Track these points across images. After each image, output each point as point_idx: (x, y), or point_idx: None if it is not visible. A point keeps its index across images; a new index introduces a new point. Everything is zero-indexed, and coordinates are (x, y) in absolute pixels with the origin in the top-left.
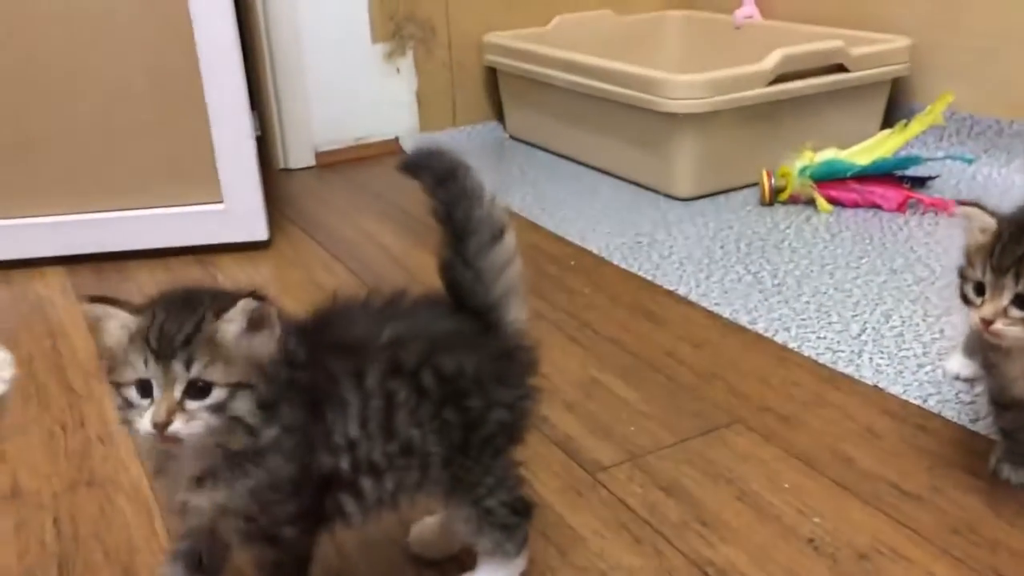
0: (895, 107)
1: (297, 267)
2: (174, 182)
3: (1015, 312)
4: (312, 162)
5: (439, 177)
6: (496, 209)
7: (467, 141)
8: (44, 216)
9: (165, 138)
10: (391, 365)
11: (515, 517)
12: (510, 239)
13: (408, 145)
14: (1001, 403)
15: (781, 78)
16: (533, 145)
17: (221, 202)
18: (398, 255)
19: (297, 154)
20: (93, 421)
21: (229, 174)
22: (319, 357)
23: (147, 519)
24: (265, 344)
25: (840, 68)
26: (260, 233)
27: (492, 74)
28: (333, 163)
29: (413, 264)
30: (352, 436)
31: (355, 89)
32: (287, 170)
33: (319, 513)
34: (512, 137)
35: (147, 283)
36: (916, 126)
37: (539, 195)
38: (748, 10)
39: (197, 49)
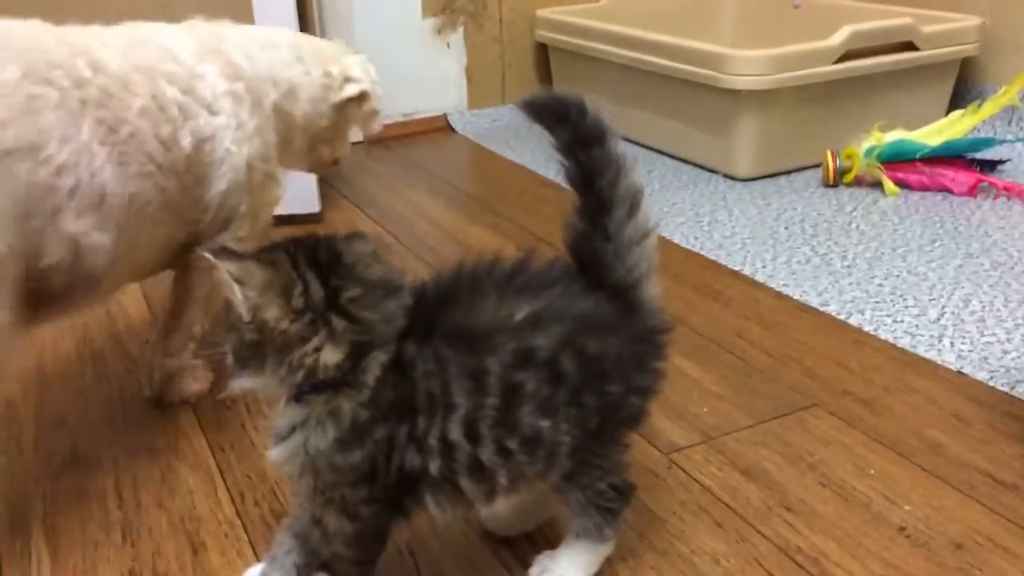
0: (963, 88)
1: None
2: None
3: None
4: (359, 137)
5: (582, 139)
6: (637, 176)
7: (516, 120)
8: None
9: None
10: (521, 355)
11: (618, 500)
12: (647, 208)
13: (457, 122)
14: None
15: (847, 56)
16: None
17: None
18: (450, 229)
19: None
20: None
21: None
22: (432, 348)
23: (211, 488)
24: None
25: (908, 47)
26: (312, 206)
27: (543, 51)
28: (382, 139)
29: (467, 238)
30: (452, 439)
31: (404, 64)
32: None
33: (399, 505)
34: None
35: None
36: (990, 107)
37: None
38: None
39: (254, 17)
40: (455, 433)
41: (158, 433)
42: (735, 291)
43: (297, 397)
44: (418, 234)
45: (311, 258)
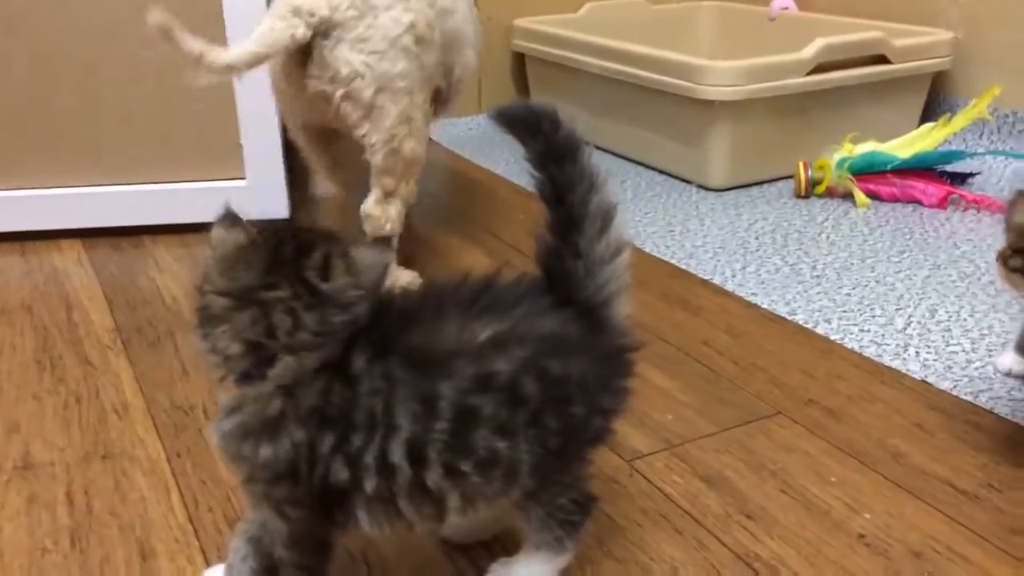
0: (935, 102)
1: None
2: (196, 157)
3: None
4: None
5: (554, 152)
6: (610, 192)
7: (492, 129)
8: (63, 188)
9: (188, 112)
10: (479, 380)
11: (579, 514)
12: (620, 223)
13: (432, 132)
14: None
15: (820, 69)
16: None
17: (244, 178)
18: (423, 235)
19: None
20: (109, 393)
21: (253, 150)
22: (384, 366)
23: (164, 494)
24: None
25: (881, 60)
26: (281, 210)
27: (520, 60)
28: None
29: (440, 244)
30: (392, 461)
31: None
32: None
33: (328, 515)
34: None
35: (164, 259)
36: (960, 120)
37: None
38: (784, 1)
39: (224, 19)
40: (396, 456)
41: (114, 440)
42: (704, 300)
43: (227, 378)
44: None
45: (276, 247)
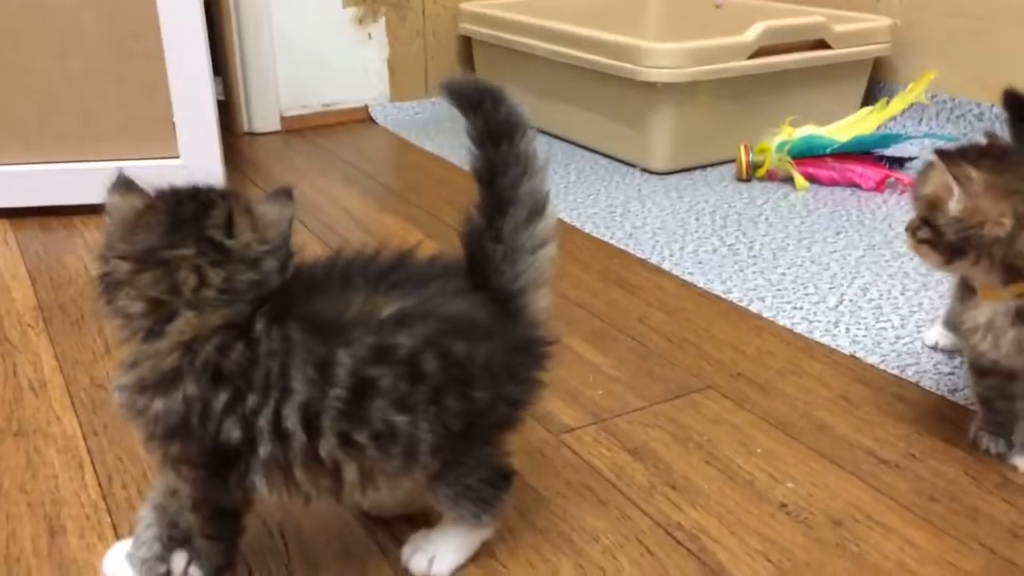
0: (876, 87)
1: None
2: (128, 134)
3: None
4: (278, 127)
5: (493, 131)
6: (544, 181)
7: (439, 113)
8: None
9: (119, 86)
10: (378, 351)
11: (494, 490)
12: (551, 216)
13: (378, 114)
14: (978, 369)
15: (763, 53)
16: None
17: (178, 157)
18: (363, 218)
19: (262, 118)
20: (27, 371)
21: (187, 127)
22: (282, 329)
23: (78, 472)
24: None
25: (822, 46)
26: None
27: (467, 44)
28: (300, 128)
29: (378, 228)
30: (287, 427)
31: (323, 54)
32: (251, 134)
33: (223, 478)
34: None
35: (94, 239)
36: (897, 103)
37: None
38: None
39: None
40: (290, 421)
41: (28, 417)
42: (641, 279)
43: (125, 337)
44: (325, 220)
45: (175, 208)
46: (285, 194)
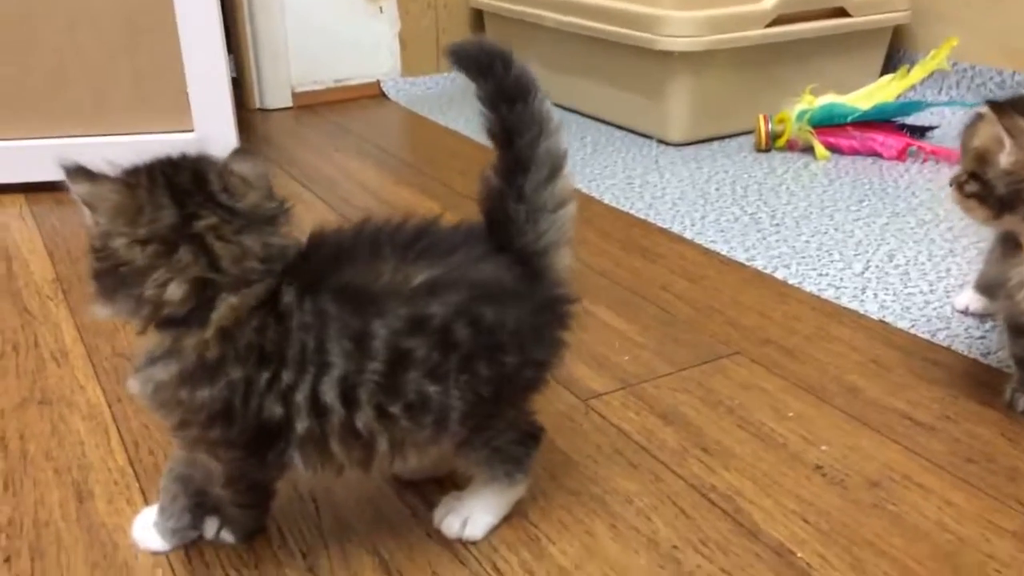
0: (895, 56)
1: None
2: (143, 108)
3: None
4: (289, 103)
5: (506, 92)
6: (561, 140)
7: (451, 87)
8: (3, 141)
9: (133, 60)
10: (413, 322)
11: (524, 448)
12: (569, 176)
13: (390, 89)
14: (1018, 328)
15: (781, 21)
16: None
17: (192, 130)
18: (379, 191)
19: (274, 94)
20: (48, 341)
21: (201, 100)
22: (315, 301)
23: (103, 438)
24: None
25: (841, 14)
26: None
27: (479, 16)
28: (312, 104)
29: (395, 200)
30: (325, 401)
31: (334, 29)
32: (263, 110)
33: (262, 457)
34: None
35: None
36: (919, 71)
37: None
38: None
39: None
40: (328, 395)
41: (52, 386)
42: (662, 248)
43: (151, 327)
44: (341, 194)
45: (171, 181)
46: (247, 152)
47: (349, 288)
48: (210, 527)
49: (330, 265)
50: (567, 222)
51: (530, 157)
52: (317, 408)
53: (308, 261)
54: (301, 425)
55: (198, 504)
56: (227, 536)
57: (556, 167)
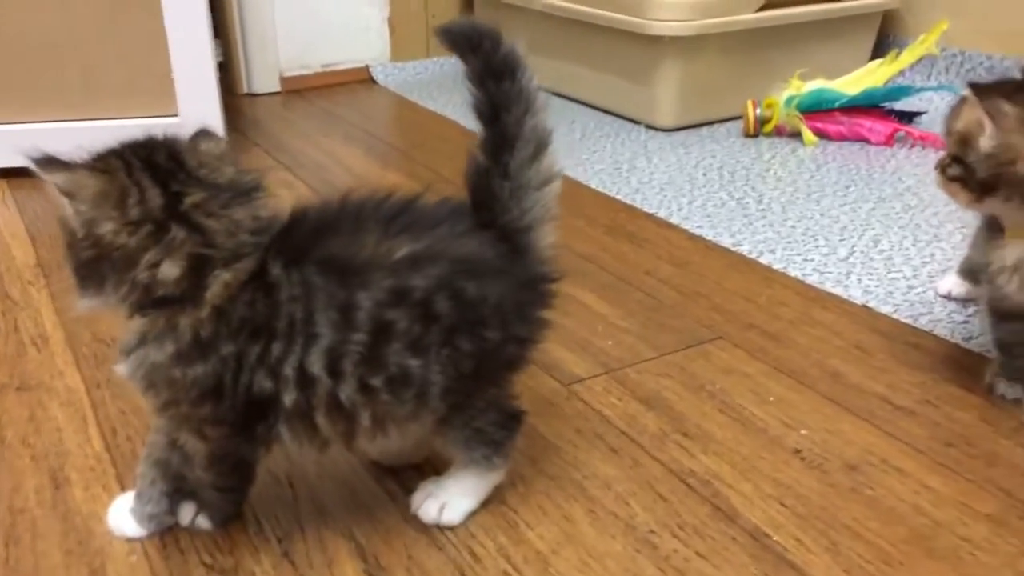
0: (885, 41)
1: None
2: (127, 92)
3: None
4: (277, 87)
5: (493, 69)
6: (547, 118)
7: (440, 73)
8: None
9: (117, 44)
10: (395, 293)
11: (503, 432)
12: (554, 154)
13: (379, 74)
14: (1000, 312)
15: (771, 6)
16: None
17: (177, 115)
18: (367, 175)
19: (261, 79)
20: (28, 327)
21: (186, 85)
22: (300, 273)
23: (81, 425)
24: None
25: None
26: None
27: (469, 1)
28: (300, 89)
29: (380, 183)
30: (312, 372)
31: (323, 13)
32: (251, 95)
33: (250, 431)
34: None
35: None
36: (908, 56)
37: None
38: None
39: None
40: (315, 366)
41: (31, 372)
42: (649, 232)
43: (141, 310)
44: (329, 179)
45: (148, 162)
46: (208, 131)
47: (334, 260)
48: (186, 513)
49: (314, 238)
50: (551, 200)
51: (516, 134)
52: (304, 380)
53: (292, 235)
54: (289, 398)
55: (176, 489)
56: (203, 522)
57: (541, 145)
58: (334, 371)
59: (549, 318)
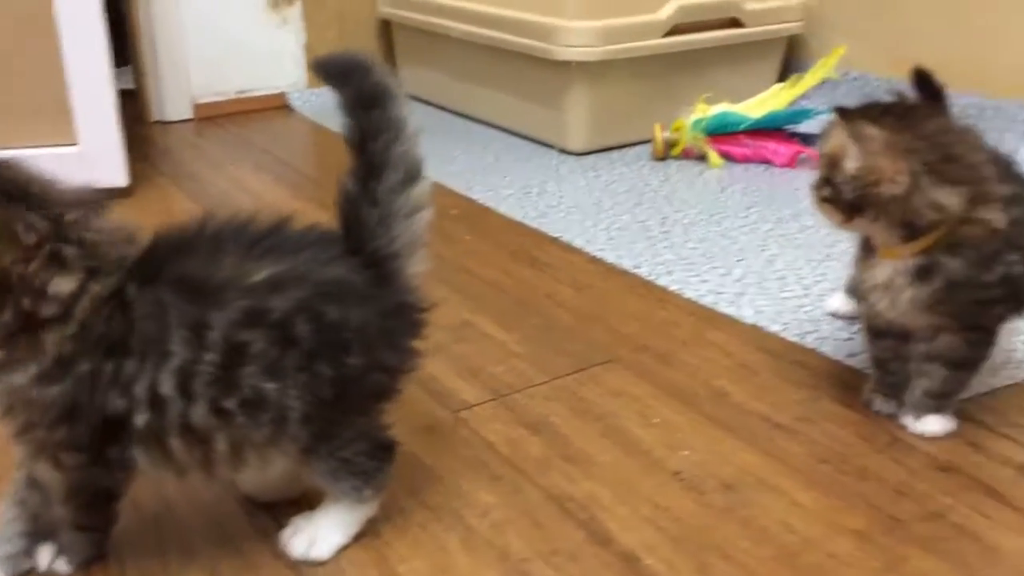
0: (791, 66)
1: (157, 216)
2: (21, 119)
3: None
4: (190, 114)
5: (363, 98)
6: (417, 147)
7: None
8: None
9: (11, 69)
10: (250, 314)
11: (375, 462)
12: (426, 183)
13: (296, 101)
14: (875, 330)
15: (677, 31)
16: (428, 103)
17: (75, 144)
18: (271, 204)
19: (173, 105)
20: None
21: (84, 112)
22: (154, 292)
23: None
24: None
25: (737, 24)
26: (119, 179)
27: (387, 28)
28: (214, 116)
29: (287, 209)
30: (163, 393)
31: (237, 38)
32: (162, 123)
33: (104, 456)
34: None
35: None
36: (809, 79)
37: (426, 150)
38: None
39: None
40: (167, 386)
41: None
42: (552, 257)
43: (7, 341)
44: (232, 207)
45: (11, 190)
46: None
47: (187, 279)
48: (44, 555)
49: (170, 258)
50: (421, 229)
51: (384, 161)
52: (156, 400)
53: (151, 255)
54: (141, 418)
55: (34, 532)
56: (62, 566)
57: (412, 173)
58: (186, 391)
59: (419, 347)
